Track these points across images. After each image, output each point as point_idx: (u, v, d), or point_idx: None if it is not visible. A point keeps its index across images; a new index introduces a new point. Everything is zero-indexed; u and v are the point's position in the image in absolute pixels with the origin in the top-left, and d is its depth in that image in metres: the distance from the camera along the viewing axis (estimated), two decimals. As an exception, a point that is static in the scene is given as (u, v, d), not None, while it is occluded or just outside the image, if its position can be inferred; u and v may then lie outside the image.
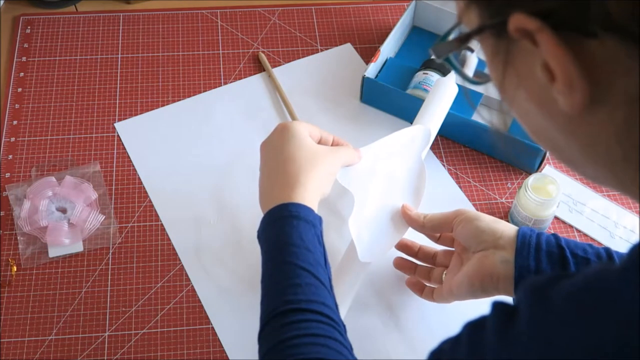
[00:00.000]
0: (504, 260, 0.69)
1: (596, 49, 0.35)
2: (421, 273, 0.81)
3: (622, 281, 0.38)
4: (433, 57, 0.44)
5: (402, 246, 0.82)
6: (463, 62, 1.01)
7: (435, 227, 0.77)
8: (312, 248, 0.65)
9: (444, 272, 0.78)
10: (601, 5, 0.33)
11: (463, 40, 0.41)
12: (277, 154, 0.73)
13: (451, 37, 0.44)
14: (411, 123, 0.89)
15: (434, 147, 0.97)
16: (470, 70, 0.85)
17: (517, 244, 0.68)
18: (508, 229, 0.71)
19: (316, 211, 0.70)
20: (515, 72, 0.40)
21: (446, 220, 0.76)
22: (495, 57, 0.40)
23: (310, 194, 0.70)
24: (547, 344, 0.40)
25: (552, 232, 0.86)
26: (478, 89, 0.98)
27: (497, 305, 0.46)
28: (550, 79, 0.37)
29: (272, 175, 0.73)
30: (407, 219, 0.80)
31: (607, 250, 0.67)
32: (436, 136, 0.95)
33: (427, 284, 0.80)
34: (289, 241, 0.65)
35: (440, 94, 0.89)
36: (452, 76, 0.91)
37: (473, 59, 0.99)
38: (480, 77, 0.46)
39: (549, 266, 0.66)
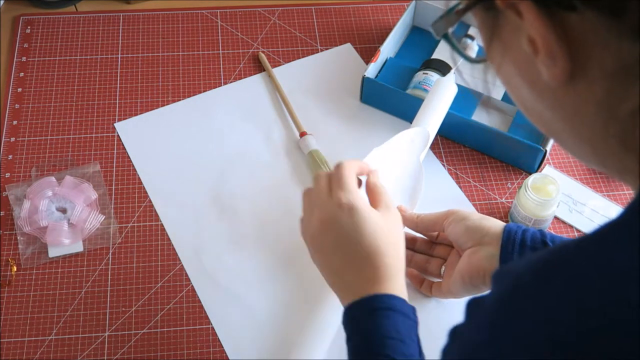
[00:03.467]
0: (490, 256, 0.71)
1: (576, 23, 0.36)
2: (417, 263, 0.82)
3: (577, 253, 0.39)
4: (433, 32, 0.45)
5: None
6: (464, 48, 1.02)
7: (428, 227, 0.80)
8: (407, 340, 0.63)
9: (443, 266, 0.80)
10: None
11: (458, 15, 0.42)
12: (349, 238, 0.67)
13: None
14: (411, 123, 0.89)
15: (434, 147, 0.97)
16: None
17: (503, 240, 0.71)
18: (495, 226, 0.73)
19: (406, 298, 0.66)
20: (503, 45, 0.41)
21: (438, 220, 0.78)
22: (485, 30, 0.42)
23: (399, 284, 0.67)
24: (511, 319, 0.40)
25: (552, 232, 0.86)
26: (478, 88, 0.98)
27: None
28: (534, 51, 0.38)
29: (349, 259, 0.67)
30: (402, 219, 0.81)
31: None
32: (436, 136, 0.95)
33: (425, 277, 0.82)
34: (385, 334, 0.63)
35: (440, 94, 0.89)
36: (452, 76, 0.91)
37: (474, 47, 1.00)
38: (476, 57, 0.48)
39: None
